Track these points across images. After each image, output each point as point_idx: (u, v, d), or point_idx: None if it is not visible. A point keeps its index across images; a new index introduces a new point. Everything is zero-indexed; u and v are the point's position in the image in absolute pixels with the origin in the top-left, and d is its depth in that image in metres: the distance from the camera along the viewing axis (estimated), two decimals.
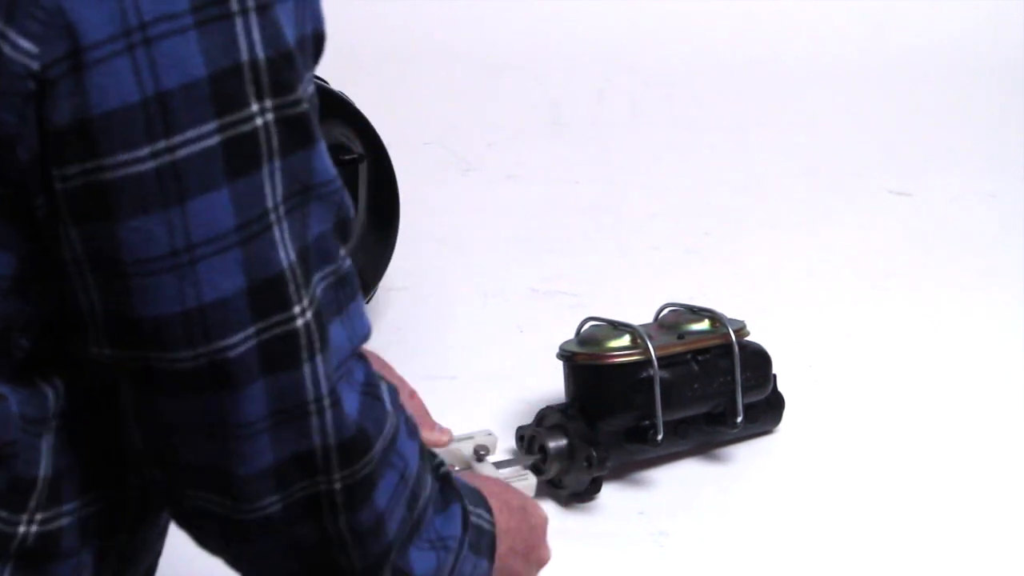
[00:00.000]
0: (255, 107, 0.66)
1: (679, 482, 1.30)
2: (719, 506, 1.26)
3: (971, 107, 2.18)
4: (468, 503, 0.84)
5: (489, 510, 0.86)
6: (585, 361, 1.26)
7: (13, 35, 0.61)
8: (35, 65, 0.61)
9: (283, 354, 0.69)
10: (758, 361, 1.32)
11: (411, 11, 2.29)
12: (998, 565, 1.19)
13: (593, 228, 1.80)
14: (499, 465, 1.17)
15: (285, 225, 0.68)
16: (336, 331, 0.72)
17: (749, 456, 1.34)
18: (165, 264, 0.65)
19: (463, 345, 1.50)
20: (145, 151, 0.63)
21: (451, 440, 1.15)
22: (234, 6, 0.64)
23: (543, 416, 1.26)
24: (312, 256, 0.70)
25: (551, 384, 1.29)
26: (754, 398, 1.32)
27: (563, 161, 1.98)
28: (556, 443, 1.23)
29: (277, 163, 0.67)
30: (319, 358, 0.70)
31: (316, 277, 0.70)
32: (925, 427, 1.40)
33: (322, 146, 0.70)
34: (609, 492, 1.26)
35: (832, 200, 1.89)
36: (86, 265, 0.65)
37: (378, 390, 0.75)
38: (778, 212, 1.82)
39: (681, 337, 1.30)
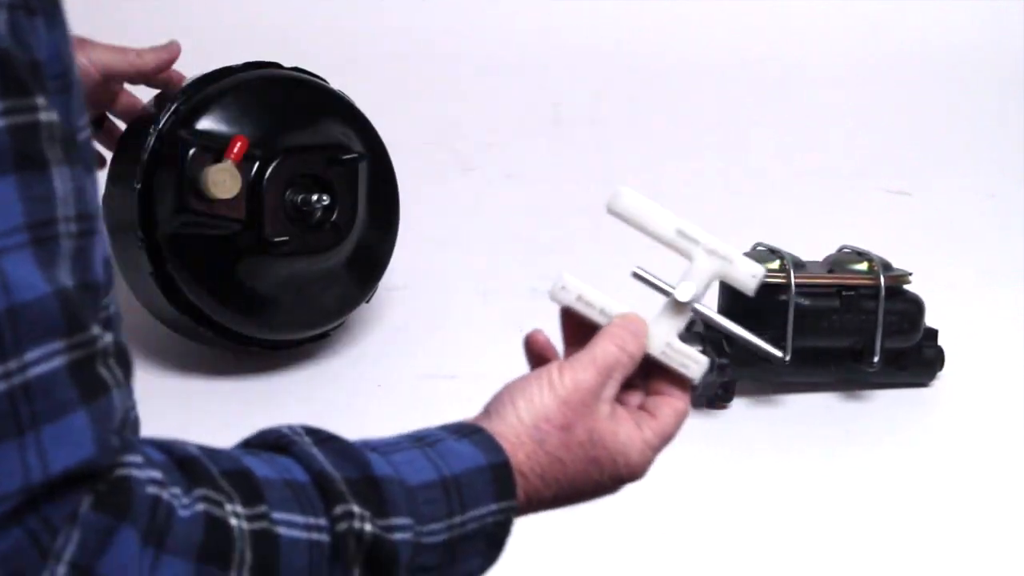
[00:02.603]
0: None
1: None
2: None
3: (971, 107, 2.18)
4: (429, 532, 0.73)
5: (509, 494, 0.78)
6: None
7: None
8: None
9: None
10: (908, 308, 1.39)
11: (411, 11, 2.29)
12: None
13: (593, 228, 1.80)
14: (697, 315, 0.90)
15: None
16: None
17: (741, 456, 1.34)
18: None
19: (463, 345, 1.50)
20: None
21: None
22: None
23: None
24: None
25: None
26: (899, 343, 1.38)
27: (563, 161, 1.98)
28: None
29: None
30: None
31: None
32: (922, 427, 1.41)
33: None
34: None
35: (832, 200, 1.89)
36: None
37: (51, 524, 0.61)
38: (778, 212, 1.83)
39: (831, 271, 1.38)
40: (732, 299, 1.38)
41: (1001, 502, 1.28)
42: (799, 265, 1.37)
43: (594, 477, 0.83)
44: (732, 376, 1.34)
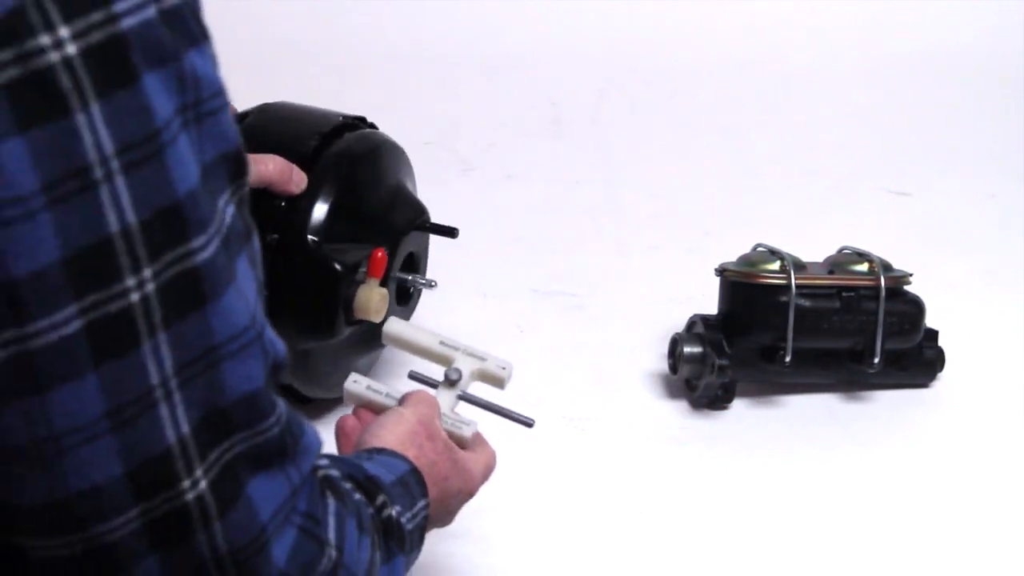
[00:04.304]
0: (130, 281, 0.61)
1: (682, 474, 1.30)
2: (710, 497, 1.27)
3: (971, 107, 2.18)
4: (408, 519, 0.85)
5: (425, 494, 0.90)
6: (732, 278, 1.37)
7: None
8: None
9: (173, 529, 0.66)
10: (908, 309, 1.39)
11: (411, 11, 2.29)
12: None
13: (593, 228, 1.80)
14: (461, 398, 1.08)
15: (178, 398, 0.64)
16: (264, 485, 0.69)
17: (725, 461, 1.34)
18: (28, 455, 0.62)
19: None
20: None
21: None
22: (97, 173, 0.60)
23: (692, 323, 1.39)
24: (220, 423, 0.66)
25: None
26: (899, 345, 1.38)
27: (563, 161, 1.98)
28: (691, 349, 1.35)
29: (162, 336, 0.63)
30: (217, 525, 0.67)
31: (224, 445, 0.67)
32: (922, 428, 1.41)
33: (228, 297, 0.65)
34: (607, 490, 1.26)
35: (832, 200, 1.89)
36: None
37: (316, 517, 0.72)
38: (778, 212, 1.83)
39: (831, 272, 1.39)
40: (732, 301, 1.38)
41: (1001, 502, 1.28)
42: (799, 266, 1.38)
43: (456, 483, 0.96)
44: (732, 377, 1.34)
